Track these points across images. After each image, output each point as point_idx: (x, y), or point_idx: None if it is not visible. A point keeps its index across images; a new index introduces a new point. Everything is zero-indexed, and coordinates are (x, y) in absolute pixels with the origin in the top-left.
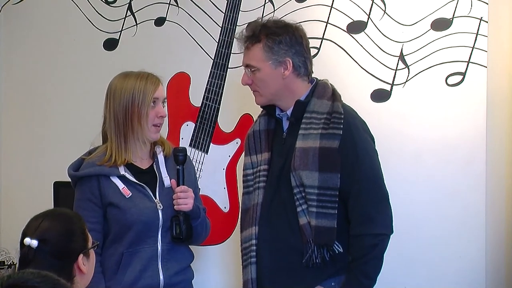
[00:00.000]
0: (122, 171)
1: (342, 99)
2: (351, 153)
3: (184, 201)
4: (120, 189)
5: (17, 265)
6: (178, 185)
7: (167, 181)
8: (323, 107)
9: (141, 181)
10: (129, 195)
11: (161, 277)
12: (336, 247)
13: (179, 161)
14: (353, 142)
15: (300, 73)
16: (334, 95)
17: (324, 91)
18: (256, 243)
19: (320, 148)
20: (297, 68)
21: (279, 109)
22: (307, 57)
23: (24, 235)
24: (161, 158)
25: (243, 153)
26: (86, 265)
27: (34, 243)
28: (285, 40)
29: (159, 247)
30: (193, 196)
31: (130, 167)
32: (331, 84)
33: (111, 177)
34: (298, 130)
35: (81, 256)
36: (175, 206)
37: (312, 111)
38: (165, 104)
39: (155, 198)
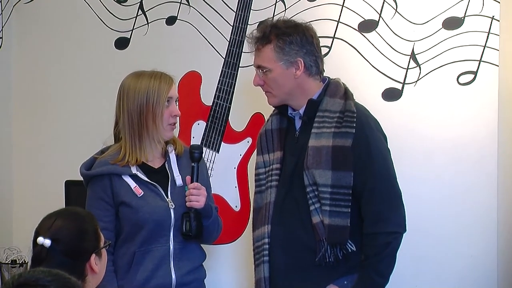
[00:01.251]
0: (134, 170)
1: (354, 98)
2: (364, 152)
3: (196, 198)
4: (132, 188)
5: (29, 264)
6: (192, 182)
7: (179, 180)
8: (335, 105)
9: (153, 180)
10: (141, 194)
11: (173, 276)
12: (349, 245)
13: (194, 158)
14: (366, 140)
15: (311, 73)
16: (347, 94)
17: (336, 90)
18: (269, 241)
19: (333, 146)
20: (308, 67)
21: (291, 108)
22: (318, 56)
23: (37, 234)
24: (173, 157)
25: (255, 152)
26: (98, 265)
27: (47, 242)
28: (295, 40)
29: (171, 246)
30: (206, 195)
31: (142, 166)
32: (343, 83)
33: (123, 176)
34: (311, 129)
35: (93, 255)
36: (187, 203)
37: (325, 110)
38: (178, 103)
39: (167, 197)
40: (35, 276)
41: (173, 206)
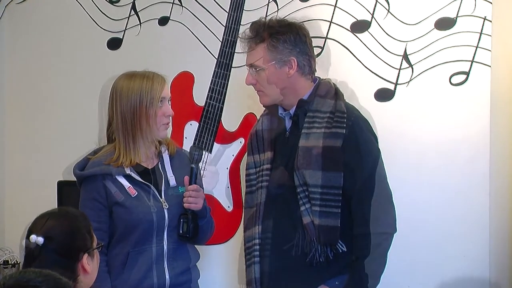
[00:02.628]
0: (128, 170)
1: (345, 98)
2: (354, 152)
3: (195, 200)
4: (126, 188)
5: (21, 264)
6: (190, 183)
7: (172, 180)
8: (326, 106)
9: (147, 181)
10: (135, 194)
11: (167, 276)
12: (340, 246)
13: (193, 159)
14: (356, 141)
15: (304, 72)
16: (337, 94)
17: (327, 90)
18: (259, 242)
19: (323, 147)
20: (301, 67)
21: (281, 108)
22: (311, 56)
23: (29, 233)
24: (166, 157)
25: (247, 152)
26: (90, 265)
27: (40, 240)
28: (289, 39)
29: (165, 247)
30: (204, 197)
31: (136, 166)
32: (333, 83)
33: (116, 177)
34: (301, 129)
35: (85, 255)
36: (184, 204)
37: (315, 110)
38: (170, 103)
39: (161, 197)
40: (26, 277)
41: (167, 206)
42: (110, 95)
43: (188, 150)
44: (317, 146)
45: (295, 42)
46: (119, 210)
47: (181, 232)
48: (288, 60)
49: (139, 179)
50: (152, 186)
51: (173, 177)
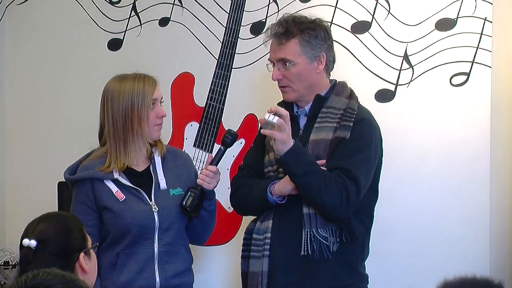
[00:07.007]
0: (116, 175)
1: (359, 101)
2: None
3: (210, 180)
4: (114, 192)
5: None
6: (212, 163)
7: (163, 183)
8: (340, 103)
9: (137, 184)
10: (123, 199)
11: (157, 279)
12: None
13: (224, 142)
14: (361, 134)
15: (329, 69)
16: (352, 95)
17: (343, 90)
18: (270, 236)
19: (332, 139)
20: (327, 63)
21: (296, 106)
22: (334, 53)
23: (22, 239)
24: (158, 160)
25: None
26: (89, 264)
27: (32, 243)
28: (320, 35)
29: (156, 249)
30: (219, 181)
31: (126, 170)
32: (350, 86)
33: (105, 181)
34: (314, 125)
35: (82, 254)
36: (198, 180)
37: (329, 107)
38: (163, 104)
39: (150, 200)
40: (48, 281)
41: (157, 209)
42: (101, 99)
43: (186, 151)
44: (326, 139)
45: (324, 38)
46: (107, 215)
47: (184, 203)
48: (318, 56)
49: (128, 183)
50: (141, 190)
51: (164, 179)
